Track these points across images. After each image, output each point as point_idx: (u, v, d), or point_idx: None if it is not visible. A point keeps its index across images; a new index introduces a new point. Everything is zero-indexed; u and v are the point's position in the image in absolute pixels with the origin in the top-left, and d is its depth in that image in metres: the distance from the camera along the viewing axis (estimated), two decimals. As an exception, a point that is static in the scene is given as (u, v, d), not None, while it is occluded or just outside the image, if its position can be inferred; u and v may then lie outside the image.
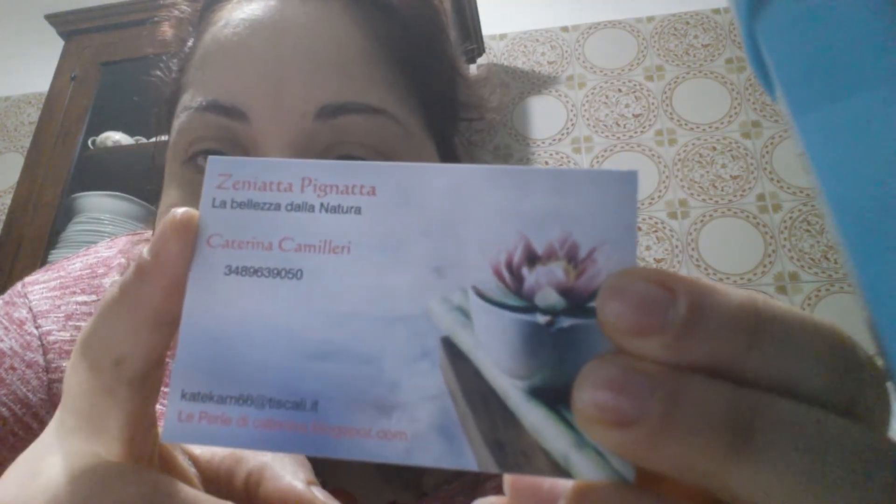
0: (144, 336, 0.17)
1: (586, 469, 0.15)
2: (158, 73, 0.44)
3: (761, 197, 1.44)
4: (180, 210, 0.17)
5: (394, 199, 0.17)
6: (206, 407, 0.16)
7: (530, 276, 0.16)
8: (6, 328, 0.42)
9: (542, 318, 0.16)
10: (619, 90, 1.60)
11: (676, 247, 1.43)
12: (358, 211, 0.17)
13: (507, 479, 0.17)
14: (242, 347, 0.16)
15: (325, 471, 0.37)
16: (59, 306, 0.43)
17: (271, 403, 0.16)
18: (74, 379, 0.18)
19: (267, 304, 0.17)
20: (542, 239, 0.16)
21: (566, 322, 0.16)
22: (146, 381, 0.18)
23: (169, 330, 0.17)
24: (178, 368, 0.17)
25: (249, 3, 0.37)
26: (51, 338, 0.41)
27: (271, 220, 0.17)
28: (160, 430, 0.17)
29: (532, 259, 0.16)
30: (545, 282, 0.16)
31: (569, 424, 0.15)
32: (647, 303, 0.14)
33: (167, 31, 0.44)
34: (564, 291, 0.16)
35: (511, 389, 0.16)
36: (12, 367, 0.40)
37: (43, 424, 0.39)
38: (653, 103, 1.57)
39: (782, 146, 1.47)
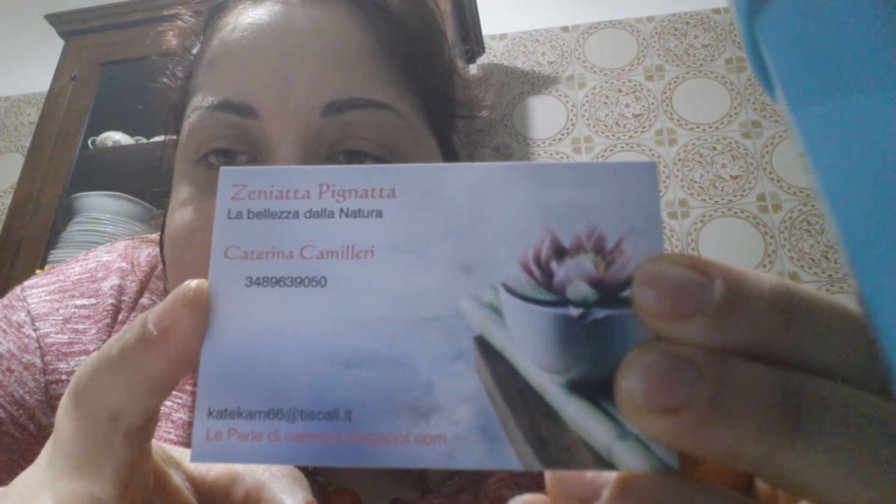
0: (142, 399, 0.17)
1: (630, 460, 0.15)
2: (165, 79, 0.45)
3: (761, 197, 1.44)
4: (193, 283, 0.16)
5: (415, 200, 0.17)
6: (235, 423, 0.16)
7: (559, 270, 0.16)
8: (4, 331, 0.42)
9: (574, 311, 0.16)
10: (619, 90, 1.60)
11: (677, 247, 1.43)
12: (379, 214, 0.17)
13: (549, 475, 0.17)
14: (269, 360, 0.16)
15: (329, 470, 0.38)
16: (57, 309, 0.43)
17: (303, 415, 0.16)
18: (67, 424, 0.18)
19: (292, 314, 0.16)
20: (568, 232, 0.16)
21: (599, 313, 0.16)
22: (143, 429, 0.18)
23: (169, 392, 0.17)
24: (204, 386, 0.16)
25: (255, 8, 0.39)
26: (48, 340, 0.41)
27: (290, 228, 0.17)
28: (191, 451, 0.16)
29: (560, 253, 0.16)
30: (575, 274, 0.16)
31: (610, 416, 0.15)
32: (683, 286, 0.14)
33: (171, 40, 0.45)
34: (595, 283, 0.16)
35: (549, 385, 0.16)
36: (9, 370, 0.40)
37: (39, 426, 0.39)
38: (653, 103, 1.57)
39: (782, 146, 1.47)
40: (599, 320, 0.16)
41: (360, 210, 0.17)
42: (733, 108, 1.53)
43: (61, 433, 0.18)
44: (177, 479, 0.20)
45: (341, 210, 0.17)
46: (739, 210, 1.44)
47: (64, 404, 0.18)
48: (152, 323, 0.16)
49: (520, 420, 0.16)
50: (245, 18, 0.38)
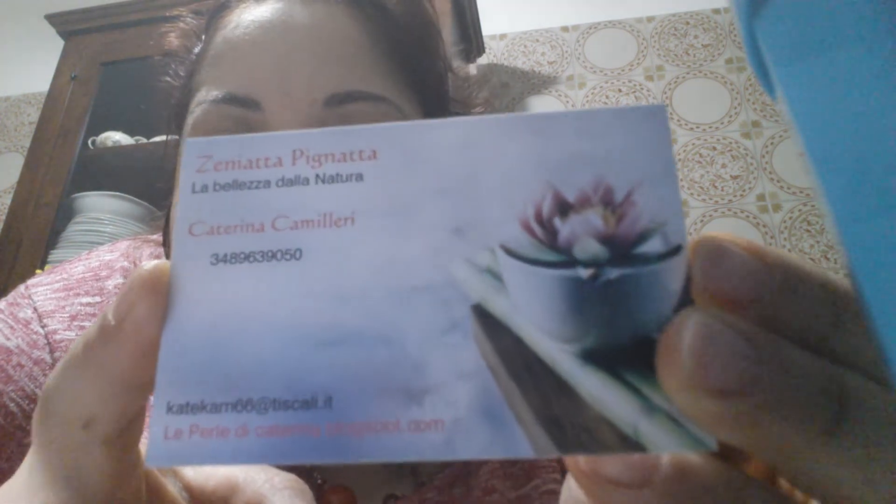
0: (113, 400, 0.15)
1: (661, 439, 0.13)
2: (168, 78, 0.46)
3: (761, 197, 1.44)
4: (149, 264, 0.15)
5: (399, 161, 0.15)
6: (199, 419, 0.14)
7: (564, 227, 0.14)
8: (12, 327, 0.42)
9: (584, 272, 0.14)
10: (619, 90, 1.60)
11: (676, 247, 1.43)
12: (359, 178, 0.15)
13: (575, 468, 0.14)
14: (237, 344, 0.14)
15: (324, 467, 0.38)
16: (63, 307, 0.43)
17: (276, 405, 0.14)
18: (43, 435, 0.17)
19: (263, 292, 0.15)
20: (571, 186, 0.14)
21: (612, 273, 0.14)
22: (123, 436, 0.16)
23: (143, 391, 0.15)
24: (163, 377, 0.14)
25: (258, 6, 0.40)
26: (57, 336, 0.42)
27: (261, 199, 0.15)
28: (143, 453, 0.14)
29: (564, 208, 0.14)
30: (582, 231, 0.14)
31: (633, 389, 0.13)
32: (744, 270, 0.13)
33: (173, 41, 0.46)
34: (605, 239, 0.14)
35: (560, 355, 0.14)
36: (20, 365, 0.40)
37: None
38: (653, 103, 1.57)
39: (782, 146, 1.47)
40: (613, 280, 0.14)
41: (337, 175, 0.15)
42: (733, 108, 1.53)
43: (38, 443, 0.17)
44: (173, 489, 0.19)
45: (317, 176, 0.15)
46: (739, 210, 1.44)
47: (36, 412, 0.17)
48: (111, 312, 0.15)
49: (529, 397, 0.14)
50: (248, 16, 0.39)
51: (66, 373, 0.16)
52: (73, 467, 0.16)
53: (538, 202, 0.15)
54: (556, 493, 0.39)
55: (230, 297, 0.15)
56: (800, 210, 1.42)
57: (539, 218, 0.14)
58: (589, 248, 0.14)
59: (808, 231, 1.39)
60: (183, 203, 0.15)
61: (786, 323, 0.13)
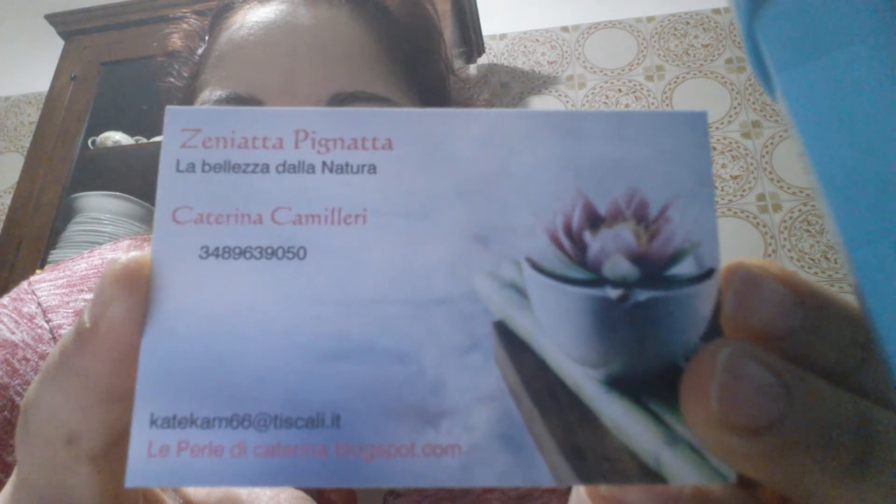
0: (96, 413, 0.14)
1: (683, 471, 0.13)
2: (171, 79, 0.46)
3: (761, 197, 1.44)
4: (125, 257, 0.13)
5: (417, 153, 0.14)
6: (188, 434, 0.13)
7: (594, 242, 0.13)
8: (16, 322, 0.42)
9: (612, 292, 0.13)
10: (619, 90, 1.60)
11: (676, 247, 1.43)
12: (372, 170, 0.14)
13: (595, 495, 0.14)
14: (232, 351, 0.13)
15: None
16: (67, 303, 0.43)
17: (277, 422, 0.13)
18: (25, 453, 0.15)
19: (262, 293, 0.13)
20: (603, 195, 0.14)
21: (642, 295, 0.13)
22: (113, 452, 0.15)
23: (130, 402, 0.14)
24: (144, 386, 0.13)
25: (262, 7, 0.40)
26: (62, 331, 0.42)
27: (259, 185, 0.14)
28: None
29: (595, 221, 0.14)
30: (613, 248, 0.13)
31: (656, 418, 0.13)
32: (777, 303, 0.12)
33: (176, 41, 0.47)
34: (637, 258, 0.13)
35: (585, 381, 0.13)
36: (25, 359, 0.40)
37: None
38: (653, 103, 1.57)
39: (782, 146, 1.47)
40: (642, 303, 0.13)
41: (347, 164, 0.14)
42: (733, 108, 1.53)
43: (22, 461, 0.15)
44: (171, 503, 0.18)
45: (324, 164, 0.14)
46: (739, 210, 1.44)
47: (18, 428, 0.15)
48: (86, 313, 0.14)
49: (551, 424, 0.13)
50: (252, 17, 0.40)
51: (44, 384, 0.14)
52: (60, 488, 0.15)
53: (568, 212, 0.14)
54: (557, 492, 0.39)
55: (223, 296, 0.13)
56: (800, 210, 1.42)
57: (568, 230, 0.14)
58: (619, 266, 0.13)
59: (808, 231, 1.39)
60: (165, 183, 0.14)
61: (815, 357, 0.12)
